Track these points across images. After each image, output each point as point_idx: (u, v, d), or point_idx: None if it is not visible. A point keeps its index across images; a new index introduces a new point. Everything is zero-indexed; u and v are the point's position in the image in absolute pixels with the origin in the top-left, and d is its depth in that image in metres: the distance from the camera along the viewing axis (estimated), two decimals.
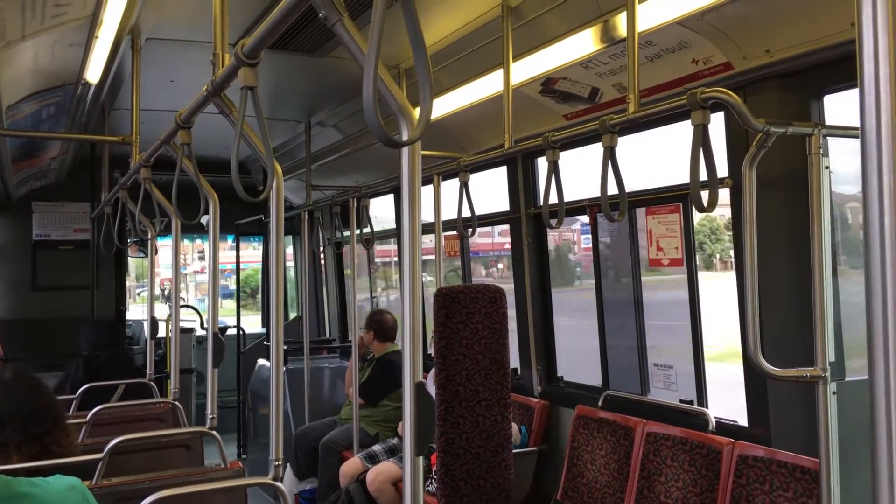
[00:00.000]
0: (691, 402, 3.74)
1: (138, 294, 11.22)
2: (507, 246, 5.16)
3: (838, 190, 2.99)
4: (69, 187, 7.38)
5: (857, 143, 0.85)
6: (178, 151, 2.92)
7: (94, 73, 4.02)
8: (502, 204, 5.01)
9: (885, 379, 0.82)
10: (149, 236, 4.73)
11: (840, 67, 2.79)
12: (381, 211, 6.92)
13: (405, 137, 1.37)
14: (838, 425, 2.47)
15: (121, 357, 4.64)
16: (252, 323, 9.63)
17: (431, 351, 4.06)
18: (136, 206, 4.06)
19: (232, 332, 8.14)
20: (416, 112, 1.38)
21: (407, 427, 1.50)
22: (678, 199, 3.67)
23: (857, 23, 0.80)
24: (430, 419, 1.52)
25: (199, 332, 8.17)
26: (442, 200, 4.45)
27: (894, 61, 0.79)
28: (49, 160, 6.55)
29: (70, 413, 3.88)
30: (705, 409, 3.61)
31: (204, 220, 3.14)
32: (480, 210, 4.16)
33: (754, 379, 3.29)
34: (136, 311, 9.85)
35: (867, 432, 2.46)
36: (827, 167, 2.49)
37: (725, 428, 3.48)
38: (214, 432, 3.03)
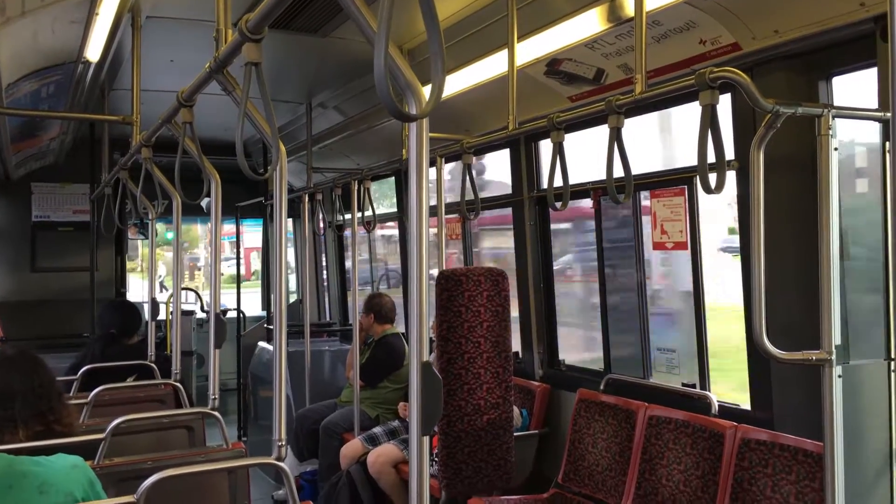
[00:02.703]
0: (694, 386, 3.74)
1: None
2: None
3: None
4: (69, 168, 7.34)
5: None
6: (179, 131, 2.89)
7: (94, 51, 3.98)
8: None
9: None
10: (149, 218, 4.71)
11: (850, 48, 2.76)
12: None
13: (414, 112, 1.34)
14: (843, 408, 2.46)
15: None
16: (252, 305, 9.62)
17: (432, 334, 4.05)
18: (137, 187, 4.03)
19: (232, 314, 8.14)
20: (425, 89, 1.35)
21: (413, 407, 1.49)
22: (683, 181, 3.65)
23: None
24: (437, 399, 1.51)
25: (200, 314, 8.17)
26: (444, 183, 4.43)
27: None
28: (48, 141, 6.51)
29: (72, 394, 3.88)
30: (708, 393, 3.61)
31: (204, 202, 3.12)
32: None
33: (758, 362, 3.28)
34: (135, 293, 9.81)
35: (872, 415, 2.45)
36: (835, 149, 2.46)
37: (728, 411, 3.48)
38: (216, 413, 3.02)
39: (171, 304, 5.38)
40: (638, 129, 3.85)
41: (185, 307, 7.82)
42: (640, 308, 4.15)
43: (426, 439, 1.53)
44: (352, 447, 5.03)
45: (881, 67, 2.64)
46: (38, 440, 2.31)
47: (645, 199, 4.06)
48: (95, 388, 3.43)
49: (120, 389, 3.76)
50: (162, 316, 6.74)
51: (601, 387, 4.11)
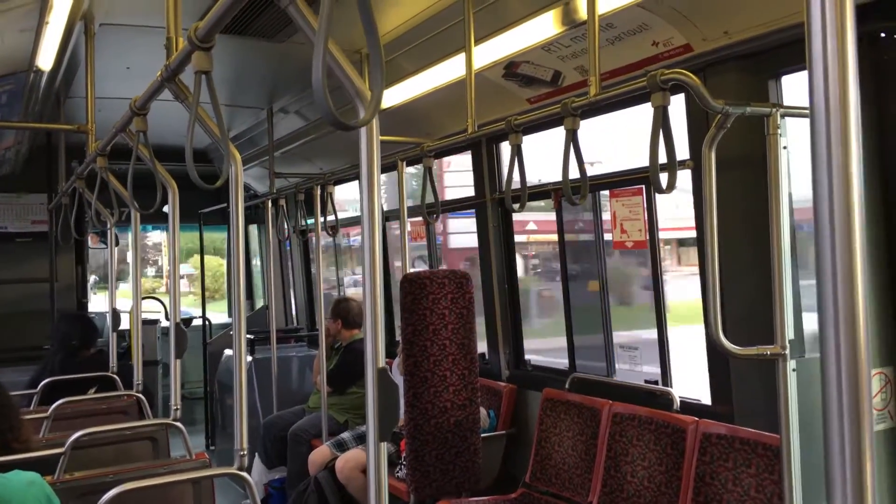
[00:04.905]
0: (656, 383, 3.79)
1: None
2: None
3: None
4: (26, 178, 7.20)
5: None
6: (133, 139, 2.86)
7: (46, 59, 3.91)
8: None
9: (835, 358, 0.82)
10: (108, 226, 4.64)
11: (796, 48, 2.81)
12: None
13: (359, 120, 1.35)
14: (798, 402, 2.52)
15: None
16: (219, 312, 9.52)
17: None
18: (94, 196, 3.98)
19: (198, 322, 8.05)
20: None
21: (370, 413, 1.49)
22: (640, 181, 3.70)
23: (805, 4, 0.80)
24: (395, 404, 1.52)
25: (164, 323, 8.06)
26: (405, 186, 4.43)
27: (842, 40, 0.80)
28: (4, 150, 6.38)
29: (32, 408, 3.81)
30: (670, 389, 3.66)
31: (165, 209, 3.09)
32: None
33: (717, 358, 3.33)
34: (97, 302, 9.67)
35: None
36: (785, 147, 2.51)
37: (689, 407, 3.53)
38: (179, 423, 2.99)
39: (133, 314, 5.32)
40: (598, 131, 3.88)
41: (150, 316, 7.72)
42: (602, 306, 4.20)
43: (384, 445, 1.53)
44: (320, 453, 5.00)
45: None
46: None
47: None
48: (56, 401, 3.38)
49: (81, 402, 3.70)
50: (126, 325, 6.65)
51: (566, 385, 4.14)
